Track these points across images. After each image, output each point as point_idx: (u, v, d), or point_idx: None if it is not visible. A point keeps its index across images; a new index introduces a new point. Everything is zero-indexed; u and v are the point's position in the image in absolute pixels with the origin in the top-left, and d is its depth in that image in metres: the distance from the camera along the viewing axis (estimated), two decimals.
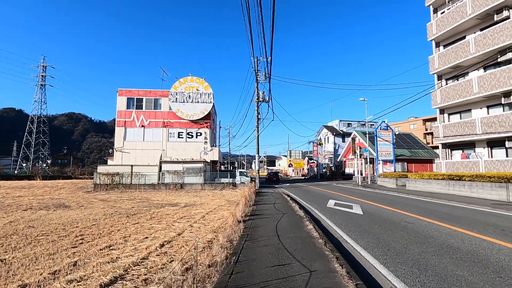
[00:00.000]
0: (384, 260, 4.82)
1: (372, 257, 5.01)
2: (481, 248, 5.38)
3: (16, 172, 53.69)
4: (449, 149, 21.63)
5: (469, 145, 19.87)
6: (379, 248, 5.51)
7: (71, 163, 69.70)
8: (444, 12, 21.56)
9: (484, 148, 18.72)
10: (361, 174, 28.85)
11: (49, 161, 63.98)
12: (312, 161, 52.60)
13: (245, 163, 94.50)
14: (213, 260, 4.55)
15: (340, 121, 50.08)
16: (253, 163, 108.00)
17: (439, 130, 21.51)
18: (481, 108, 19.07)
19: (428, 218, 8.41)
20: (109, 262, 5.14)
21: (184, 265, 4.64)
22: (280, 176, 49.71)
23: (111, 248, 6.20)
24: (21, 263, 5.25)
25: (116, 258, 5.43)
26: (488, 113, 18.60)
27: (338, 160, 43.53)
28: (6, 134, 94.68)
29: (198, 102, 27.98)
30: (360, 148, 28.99)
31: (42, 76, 63.15)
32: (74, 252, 5.91)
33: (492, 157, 18.32)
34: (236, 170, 33.26)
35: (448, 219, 8.33)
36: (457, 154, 20.98)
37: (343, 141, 44.99)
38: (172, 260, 5.13)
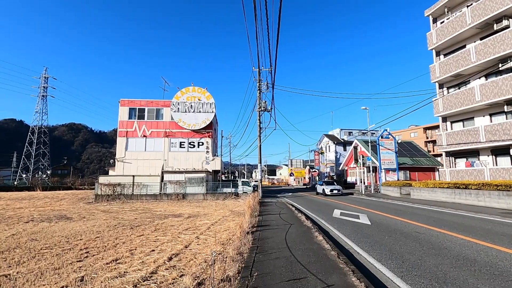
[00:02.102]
0: (401, 273, 4.68)
1: (387, 269, 4.88)
2: (499, 259, 5.24)
3: (16, 183, 53.33)
4: (453, 157, 21.54)
5: (473, 153, 19.79)
6: (393, 260, 5.37)
7: (71, 174, 69.37)
8: (443, 21, 21.85)
9: (488, 156, 18.64)
10: (364, 183, 28.66)
11: (49, 172, 63.64)
12: (313, 170, 52.37)
13: (245, 172, 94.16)
14: (225, 274, 4.41)
15: (341, 129, 50.13)
16: (253, 172, 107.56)
17: (442, 138, 21.48)
18: (484, 116, 19.08)
19: (438, 228, 8.27)
20: (117, 277, 4.99)
21: (195, 279, 4.50)
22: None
23: (117, 261, 6.05)
24: (26, 278, 5.10)
25: (124, 272, 5.28)
26: (491, 121, 18.60)
27: (339, 169, 43.33)
28: (6, 145, 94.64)
29: (200, 112, 28.05)
30: (363, 156, 28.88)
31: (44, 87, 63.50)
32: (80, 267, 5.76)
33: (497, 165, 18.21)
34: (238, 180, 33.06)
35: (459, 229, 8.18)
36: (461, 162, 20.87)
37: (345, 149, 44.89)
38: (182, 275, 4.98)
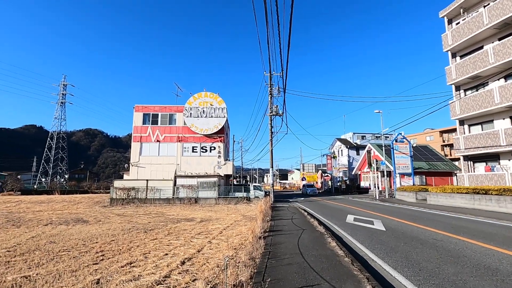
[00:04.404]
0: (418, 281, 4.54)
1: (403, 277, 4.74)
2: None
3: (35, 187, 55.24)
4: (471, 162, 20.82)
5: (493, 157, 19.07)
6: (409, 268, 5.22)
7: (87, 178, 71.24)
8: (459, 22, 21.34)
9: (509, 160, 17.92)
10: (378, 187, 28.07)
11: (66, 176, 65.62)
12: (326, 174, 51.77)
13: (257, 176, 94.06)
14: (238, 279, 4.40)
15: (354, 133, 49.42)
16: (265, 176, 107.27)
17: (460, 142, 20.82)
18: (504, 119, 18.40)
19: (457, 235, 7.99)
20: (131, 280, 5.07)
21: (208, 284, 4.51)
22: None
23: (132, 265, 6.15)
24: (45, 280, 5.25)
25: (138, 276, 5.36)
26: None
27: (352, 173, 42.66)
28: (27, 150, 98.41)
29: (212, 116, 28.34)
30: (377, 161, 28.34)
31: (63, 94, 65.88)
32: (96, 269, 5.89)
33: None
34: (250, 184, 33.06)
35: (480, 236, 7.88)
36: (480, 166, 20.15)
37: (357, 154, 44.23)
38: (195, 279, 5.01)
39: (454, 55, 22.11)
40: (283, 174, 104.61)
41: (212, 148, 28.48)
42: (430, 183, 29.00)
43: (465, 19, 20.69)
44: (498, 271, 4.90)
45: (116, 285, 4.88)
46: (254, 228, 8.48)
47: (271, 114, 24.81)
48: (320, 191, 50.83)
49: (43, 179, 62.09)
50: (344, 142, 47.50)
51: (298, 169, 78.73)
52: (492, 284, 4.32)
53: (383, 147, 28.52)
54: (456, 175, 28.65)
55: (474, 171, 20.58)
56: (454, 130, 24.61)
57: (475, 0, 20.15)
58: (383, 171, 28.23)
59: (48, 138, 65.81)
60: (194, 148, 28.46)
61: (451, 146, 45.65)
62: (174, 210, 19.34)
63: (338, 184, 44.51)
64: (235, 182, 41.64)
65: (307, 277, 4.61)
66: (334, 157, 46.44)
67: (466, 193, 15.85)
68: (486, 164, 19.70)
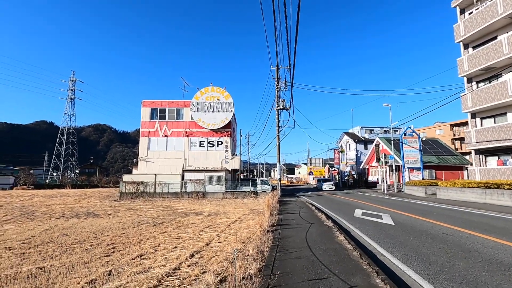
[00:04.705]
0: (428, 275, 4.50)
1: (413, 272, 4.71)
2: None
3: (47, 181, 56.57)
4: (483, 155, 20.40)
5: (506, 151, 18.63)
6: (419, 262, 5.17)
7: (97, 173, 72.56)
8: (472, 12, 20.71)
9: None
10: (386, 182, 27.80)
11: (77, 171, 66.97)
12: (333, 168, 51.44)
13: (264, 171, 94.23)
14: (246, 272, 4.44)
15: (362, 127, 48.83)
16: (272, 171, 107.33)
17: (471, 135, 20.39)
18: None
19: (468, 230, 7.87)
20: (142, 272, 5.17)
21: (217, 276, 4.56)
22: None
23: (142, 257, 6.26)
24: (59, 271, 5.39)
25: (149, 268, 5.45)
26: None
27: (360, 167, 42.31)
28: (38, 145, 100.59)
29: (218, 111, 28.36)
30: (385, 155, 28.02)
31: (72, 90, 66.87)
32: (107, 261, 6.01)
33: None
34: (258, 179, 33.16)
35: (491, 230, 7.74)
36: (492, 160, 19.72)
37: (365, 148, 43.75)
38: (204, 271, 5.07)
39: (466, 46, 21.52)
40: (290, 169, 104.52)
41: (219, 143, 28.57)
42: (440, 178, 28.57)
43: (478, 8, 20.06)
44: (511, 266, 4.81)
45: (128, 276, 4.98)
46: (261, 222, 8.52)
47: (278, 108, 24.68)
48: None
49: (55, 174, 63.52)
50: (352, 136, 47.03)
51: (305, 164, 78.57)
52: (505, 279, 4.25)
53: (392, 141, 28.16)
54: (467, 169, 28.16)
55: (485, 165, 20.17)
56: (465, 123, 24.08)
57: None
58: (392, 165, 27.92)
59: (59, 134, 67.10)
60: (202, 142, 28.60)
61: (461, 139, 44.76)
62: (182, 204, 19.56)
63: (345, 178, 44.22)
64: (242, 177, 41.81)
65: (316, 270, 4.62)
66: (342, 152, 46.08)
67: (477, 187, 15.57)
68: (499, 158, 19.28)
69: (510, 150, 18.41)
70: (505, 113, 18.78)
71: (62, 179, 57.63)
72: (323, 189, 33.80)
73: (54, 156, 65.68)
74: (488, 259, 5.22)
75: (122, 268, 5.47)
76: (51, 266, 5.74)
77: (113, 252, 6.86)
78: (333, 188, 33.63)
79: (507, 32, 18.35)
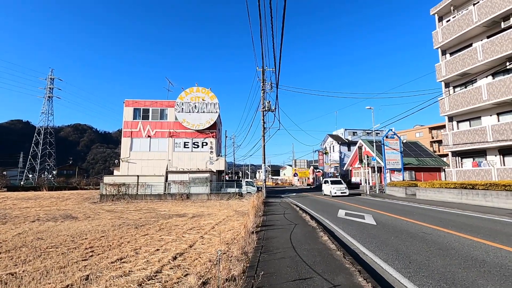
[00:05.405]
0: (408, 273, 4.61)
1: (394, 270, 4.80)
2: (509, 260, 5.13)
3: (22, 183, 53.98)
4: (459, 157, 21.27)
5: (480, 153, 19.51)
6: (400, 261, 5.29)
7: (77, 174, 69.97)
8: (449, 20, 21.60)
9: (496, 156, 18.36)
10: (368, 183, 28.44)
11: (54, 172, 64.28)
12: (317, 170, 52.16)
13: (249, 172, 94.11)
14: (230, 274, 4.38)
15: (346, 129, 49.85)
16: (257, 172, 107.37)
17: (449, 138, 21.22)
18: (491, 116, 18.80)
19: (446, 229, 8.15)
20: (122, 276, 4.99)
21: (200, 279, 4.48)
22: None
23: (122, 260, 6.06)
24: (32, 277, 5.12)
25: (129, 271, 5.28)
26: (498, 120, 18.32)
27: (344, 169, 43.10)
28: (13, 145, 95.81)
29: (204, 112, 28.09)
30: (367, 156, 28.68)
31: (50, 88, 64.18)
32: (85, 265, 5.77)
33: (504, 165, 17.93)
34: (242, 180, 33.03)
35: (467, 229, 8.05)
36: (468, 162, 20.60)
37: (349, 150, 44.64)
38: (187, 274, 4.96)
39: (444, 53, 22.41)
40: (275, 170, 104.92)
41: (204, 144, 28.29)
42: (419, 179, 29.53)
43: (455, 16, 20.95)
44: (485, 263, 5.01)
45: (106, 281, 4.79)
46: (246, 223, 8.47)
47: (264, 109, 24.75)
48: (312, 186, 51.26)
49: (30, 175, 60.72)
50: (336, 138, 47.88)
51: (290, 165, 79.14)
52: (480, 275, 4.41)
53: (374, 143, 28.87)
54: (444, 171, 29.24)
55: (462, 167, 21.03)
56: (443, 126, 25.15)
57: None
58: (374, 167, 28.61)
59: (35, 133, 64.22)
60: (186, 143, 28.21)
61: (439, 142, 46.55)
62: (165, 206, 19.18)
63: (330, 177, 44.92)
64: (227, 178, 41.56)
65: (300, 270, 4.62)
66: (326, 153, 46.82)
67: (454, 188, 16.21)
68: (474, 159, 20.16)
69: (484, 152, 19.28)
70: (479, 117, 19.67)
71: (38, 180, 55.11)
72: (333, 194, 22.73)
73: (30, 156, 62.76)
74: (464, 257, 5.41)
75: (101, 272, 5.27)
76: (23, 271, 5.44)
77: (92, 256, 6.60)
78: (346, 194, 22.87)
79: (481, 40, 19.26)
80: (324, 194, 25.35)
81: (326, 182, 25.97)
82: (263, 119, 25.02)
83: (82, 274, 5.18)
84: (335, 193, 22.61)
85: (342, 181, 25.86)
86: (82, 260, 6.19)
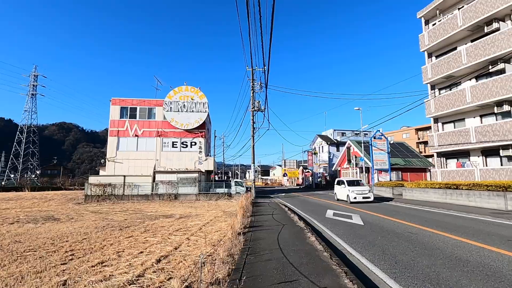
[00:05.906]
0: (394, 274, 4.61)
1: (380, 271, 4.80)
2: (491, 259, 5.21)
3: (3, 183, 52.10)
4: (444, 158, 21.76)
5: (464, 154, 20.01)
6: (386, 261, 5.30)
7: (61, 174, 68.10)
8: (435, 23, 22.06)
9: (478, 156, 18.87)
10: None
11: (38, 172, 62.37)
12: (306, 170, 52.47)
13: (239, 172, 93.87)
14: (214, 277, 4.25)
15: (335, 130, 50.35)
16: (247, 172, 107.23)
17: (434, 139, 21.67)
18: (474, 117, 19.32)
19: (431, 229, 8.26)
20: (101, 281, 4.79)
21: (183, 282, 4.33)
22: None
23: (103, 264, 5.83)
24: (5, 283, 4.85)
25: (110, 275, 5.07)
26: (481, 122, 18.83)
27: (332, 169, 43.49)
28: None
29: (192, 111, 27.77)
30: (356, 157, 29.02)
31: (33, 85, 62.23)
32: (63, 270, 5.52)
33: (487, 165, 18.44)
34: (232, 180, 32.84)
35: (452, 229, 8.18)
36: (452, 163, 21.09)
37: (338, 150, 45.07)
38: (170, 277, 4.80)
39: (430, 55, 22.89)
40: (265, 170, 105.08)
41: (193, 144, 27.97)
42: (406, 179, 30.08)
43: (441, 20, 21.41)
44: (468, 262, 5.06)
45: (85, 286, 4.59)
46: (234, 224, 8.36)
47: (253, 109, 24.67)
48: (301, 186, 51.52)
49: (12, 175, 58.69)
50: (325, 138, 48.28)
51: (280, 165, 79.34)
52: (463, 275, 4.45)
53: (362, 144, 29.22)
54: (430, 171, 29.88)
55: (446, 167, 21.52)
56: (429, 128, 25.66)
57: (451, 2, 20.89)
58: (362, 167, 28.97)
59: (18, 132, 62.12)
60: (174, 143, 27.82)
61: (426, 143, 47.59)
62: (152, 207, 18.82)
63: (318, 180, 45.25)
64: (216, 178, 41.25)
65: (286, 272, 4.54)
66: (315, 153, 47.14)
67: (439, 188, 16.54)
68: (458, 160, 20.65)
69: (467, 153, 19.79)
70: (463, 119, 20.18)
71: (20, 180, 53.27)
72: (351, 199, 16.47)
73: (12, 156, 60.66)
74: (449, 256, 5.47)
75: (80, 277, 5.05)
76: None
77: (71, 259, 6.34)
78: (371, 199, 16.49)
79: (466, 44, 19.75)
80: (338, 199, 18.61)
81: (340, 183, 19.13)
82: (253, 119, 24.93)
83: (60, 279, 4.94)
84: (355, 198, 16.33)
85: (363, 181, 20.25)
86: (61, 264, 5.93)
